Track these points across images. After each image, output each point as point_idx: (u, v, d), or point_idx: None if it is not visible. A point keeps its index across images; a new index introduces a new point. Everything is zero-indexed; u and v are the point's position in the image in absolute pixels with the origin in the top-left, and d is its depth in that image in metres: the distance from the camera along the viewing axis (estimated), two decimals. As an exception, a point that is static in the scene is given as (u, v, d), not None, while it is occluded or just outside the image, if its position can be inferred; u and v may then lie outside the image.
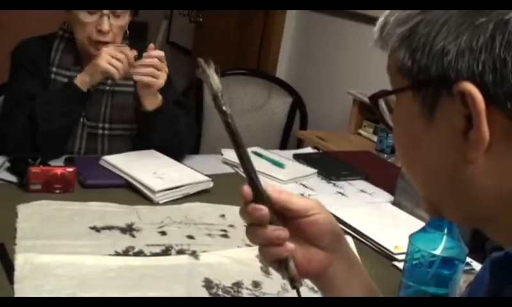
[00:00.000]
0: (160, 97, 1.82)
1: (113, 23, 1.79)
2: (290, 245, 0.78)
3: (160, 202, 1.59)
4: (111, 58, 1.73)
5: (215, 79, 0.73)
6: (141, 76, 1.74)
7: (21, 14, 3.09)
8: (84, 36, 1.80)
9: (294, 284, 0.79)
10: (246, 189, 0.76)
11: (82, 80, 1.77)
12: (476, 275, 0.76)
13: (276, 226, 0.77)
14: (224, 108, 0.73)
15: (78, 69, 1.86)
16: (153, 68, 1.74)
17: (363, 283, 0.86)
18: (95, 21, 1.78)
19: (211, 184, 1.71)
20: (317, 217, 0.80)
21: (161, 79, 1.76)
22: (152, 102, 1.80)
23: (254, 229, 0.78)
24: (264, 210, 0.76)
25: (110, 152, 1.86)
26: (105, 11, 1.76)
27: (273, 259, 0.80)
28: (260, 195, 0.76)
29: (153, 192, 1.59)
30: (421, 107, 0.58)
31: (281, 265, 0.80)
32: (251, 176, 0.76)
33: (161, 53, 1.77)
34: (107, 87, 1.90)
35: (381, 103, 0.65)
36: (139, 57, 1.80)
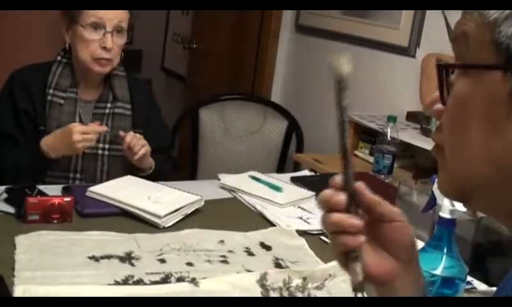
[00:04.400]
0: (151, 159, 1.96)
1: (115, 40, 1.90)
2: (361, 237, 0.75)
3: (166, 226, 1.60)
4: (83, 140, 1.81)
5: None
6: (138, 153, 1.87)
7: (21, 44, 3.14)
8: (87, 54, 1.90)
9: (355, 287, 0.76)
10: (337, 178, 0.75)
11: (55, 150, 1.84)
12: (495, 294, 0.75)
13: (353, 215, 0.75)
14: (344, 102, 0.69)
15: (74, 91, 1.96)
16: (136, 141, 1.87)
17: None
18: (99, 39, 1.88)
19: (203, 202, 1.72)
20: (400, 225, 0.78)
21: (146, 146, 1.90)
22: (147, 163, 1.96)
23: (330, 214, 0.75)
24: (341, 195, 0.74)
25: (109, 172, 1.96)
26: (109, 29, 1.88)
27: (343, 249, 0.76)
28: (349, 187, 0.75)
29: (159, 217, 1.59)
30: (510, 92, 0.55)
31: (348, 260, 0.77)
32: (347, 168, 0.74)
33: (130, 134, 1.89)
34: (107, 111, 1.98)
35: (447, 76, 0.61)
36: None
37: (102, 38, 1.88)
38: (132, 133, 1.89)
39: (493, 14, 0.56)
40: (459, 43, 0.61)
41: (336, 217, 0.75)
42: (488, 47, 0.56)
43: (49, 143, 1.84)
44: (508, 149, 0.56)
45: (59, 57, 1.98)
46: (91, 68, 1.92)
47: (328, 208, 0.75)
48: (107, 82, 2.00)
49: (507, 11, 0.55)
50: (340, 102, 0.69)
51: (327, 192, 0.75)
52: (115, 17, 1.89)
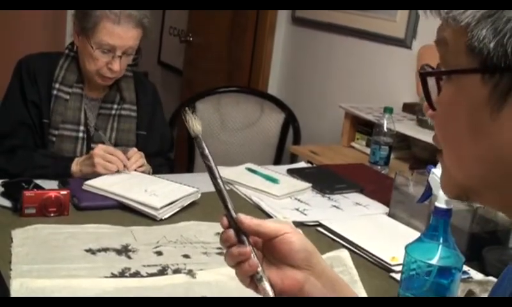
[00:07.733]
0: (149, 166, 1.93)
1: (122, 62, 1.89)
2: (253, 261, 0.84)
3: (163, 218, 1.60)
4: (106, 163, 1.78)
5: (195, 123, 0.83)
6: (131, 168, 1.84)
7: (27, 36, 3.13)
8: (93, 68, 1.89)
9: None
10: (224, 219, 0.85)
11: (78, 169, 1.82)
12: (496, 285, 0.76)
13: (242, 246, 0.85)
14: (206, 152, 0.84)
15: (80, 86, 1.95)
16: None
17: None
18: (107, 60, 1.87)
19: (199, 195, 1.72)
20: (288, 236, 0.85)
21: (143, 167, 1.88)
22: (145, 170, 1.90)
23: (226, 252, 0.87)
24: (228, 232, 0.85)
25: None
26: (118, 53, 1.86)
27: (244, 277, 0.87)
28: (234, 223, 0.85)
29: (156, 209, 1.59)
30: (490, 94, 0.56)
31: (255, 283, 0.86)
32: (227, 207, 0.85)
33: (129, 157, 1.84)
34: (113, 111, 1.98)
35: (430, 81, 0.62)
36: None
37: (110, 59, 1.87)
38: (135, 149, 1.87)
39: (465, 19, 0.56)
40: (441, 47, 0.62)
41: (228, 251, 0.85)
42: (464, 51, 0.57)
43: (80, 160, 1.83)
44: (496, 149, 0.57)
45: (66, 51, 1.97)
46: (94, 79, 1.92)
47: (226, 246, 0.86)
48: (114, 82, 1.98)
49: (478, 15, 0.55)
50: (202, 153, 0.83)
51: (221, 235, 0.86)
52: (126, 44, 1.87)
